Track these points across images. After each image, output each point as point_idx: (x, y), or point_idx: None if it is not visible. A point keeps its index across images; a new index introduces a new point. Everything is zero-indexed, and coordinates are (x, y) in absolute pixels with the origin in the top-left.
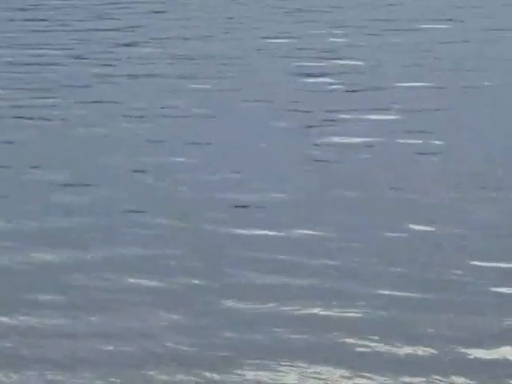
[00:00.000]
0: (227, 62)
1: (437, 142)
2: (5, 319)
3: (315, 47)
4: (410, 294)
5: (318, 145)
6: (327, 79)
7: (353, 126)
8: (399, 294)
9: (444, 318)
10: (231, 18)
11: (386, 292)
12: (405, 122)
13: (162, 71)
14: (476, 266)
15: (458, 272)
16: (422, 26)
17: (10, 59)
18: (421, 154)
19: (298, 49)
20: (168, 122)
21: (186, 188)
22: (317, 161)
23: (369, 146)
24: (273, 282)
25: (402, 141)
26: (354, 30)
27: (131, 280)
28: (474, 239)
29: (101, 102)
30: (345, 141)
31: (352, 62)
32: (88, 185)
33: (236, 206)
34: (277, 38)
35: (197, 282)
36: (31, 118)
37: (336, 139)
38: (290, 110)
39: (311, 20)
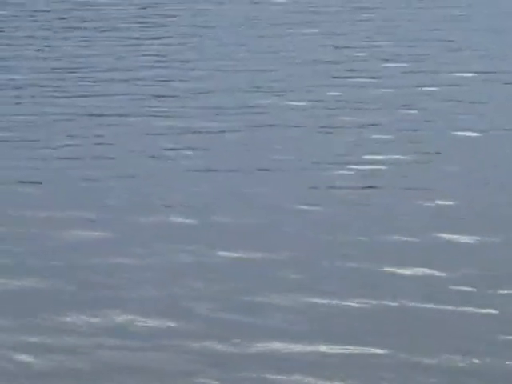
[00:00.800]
0: (253, 112)
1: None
2: None
3: (333, 100)
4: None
5: (325, 201)
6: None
7: (355, 181)
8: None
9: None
10: (257, 69)
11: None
12: (424, 165)
13: (186, 123)
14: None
15: (451, 318)
16: (458, 75)
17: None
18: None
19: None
20: (178, 178)
21: (192, 247)
22: (323, 219)
23: (378, 197)
24: (285, 350)
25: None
26: (378, 81)
27: (126, 343)
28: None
29: (115, 158)
30: (349, 196)
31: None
32: (94, 242)
33: (236, 262)
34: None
35: (196, 350)
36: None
37: (342, 192)
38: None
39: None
